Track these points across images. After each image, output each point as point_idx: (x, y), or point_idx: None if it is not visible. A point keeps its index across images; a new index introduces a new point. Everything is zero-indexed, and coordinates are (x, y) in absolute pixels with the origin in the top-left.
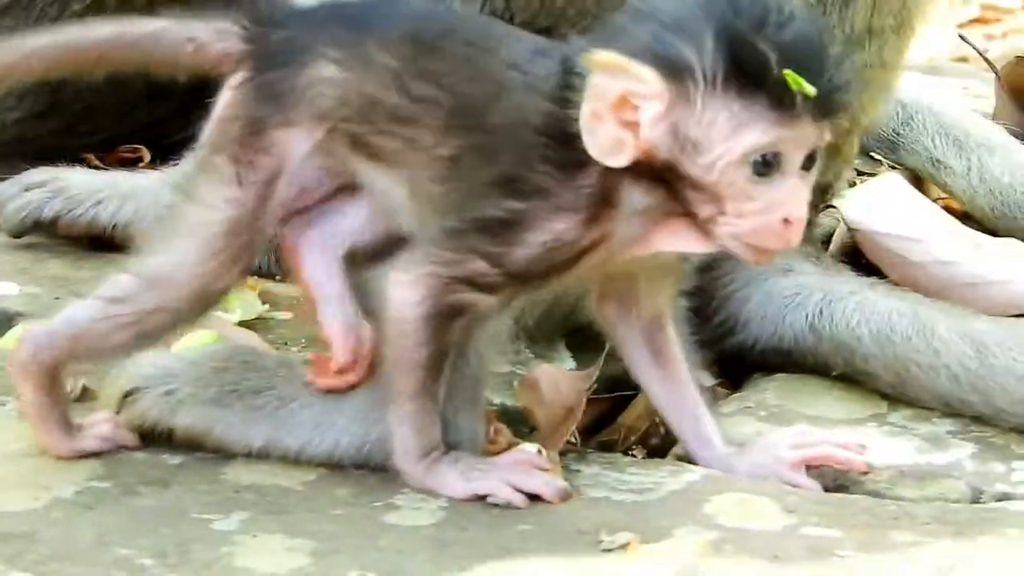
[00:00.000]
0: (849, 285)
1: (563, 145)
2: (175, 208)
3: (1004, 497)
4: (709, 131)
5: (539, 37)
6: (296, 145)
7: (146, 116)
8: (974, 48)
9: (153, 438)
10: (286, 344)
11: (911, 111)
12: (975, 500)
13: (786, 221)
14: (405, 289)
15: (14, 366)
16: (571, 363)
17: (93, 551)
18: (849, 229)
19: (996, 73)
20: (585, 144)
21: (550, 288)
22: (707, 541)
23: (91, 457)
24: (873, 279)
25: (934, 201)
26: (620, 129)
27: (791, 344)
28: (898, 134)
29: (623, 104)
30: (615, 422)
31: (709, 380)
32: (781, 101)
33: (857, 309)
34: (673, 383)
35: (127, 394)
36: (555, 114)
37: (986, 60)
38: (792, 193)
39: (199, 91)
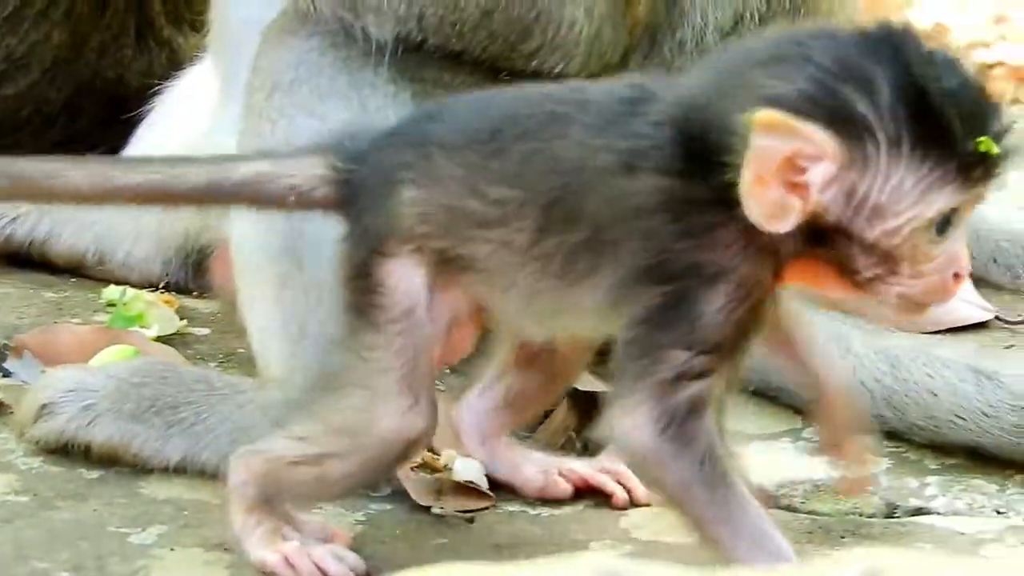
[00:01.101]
0: None
1: (692, 214)
2: (344, 360)
3: (918, 512)
4: (895, 196)
5: (608, 89)
6: (404, 274)
7: (65, 131)
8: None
9: (70, 452)
10: (204, 360)
11: None
12: (889, 515)
13: (956, 276)
14: (631, 417)
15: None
16: None
17: (11, 565)
18: None
19: None
20: (746, 211)
21: (758, 336)
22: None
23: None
24: None
25: None
26: (786, 193)
27: None
28: None
29: (789, 166)
30: (533, 435)
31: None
32: (969, 163)
33: None
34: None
35: (43, 407)
36: (674, 187)
37: None
38: (962, 247)
39: (117, 106)
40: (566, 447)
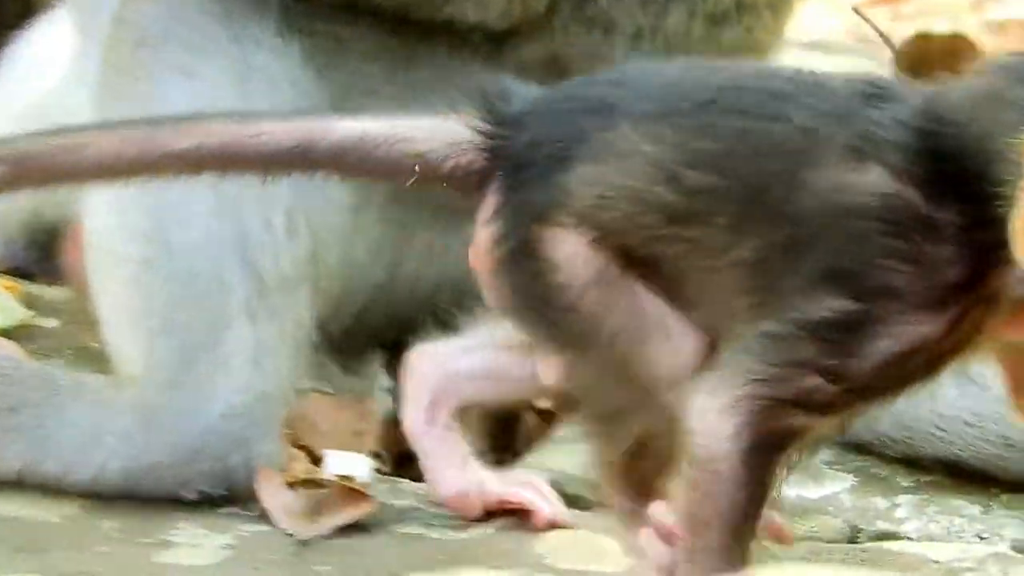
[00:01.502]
0: None
1: (917, 231)
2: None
3: (884, 536)
4: None
5: (843, 78)
6: (576, 246)
7: None
8: (869, 23)
9: None
10: (51, 355)
11: None
12: (853, 539)
13: None
14: (716, 418)
15: None
16: (385, 381)
17: None
18: None
19: (893, 50)
20: (1013, 246)
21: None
22: None
23: None
24: None
25: None
26: None
27: None
28: None
29: None
30: None
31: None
32: None
33: None
34: None
35: None
36: (906, 196)
37: (882, 36)
38: None
39: None
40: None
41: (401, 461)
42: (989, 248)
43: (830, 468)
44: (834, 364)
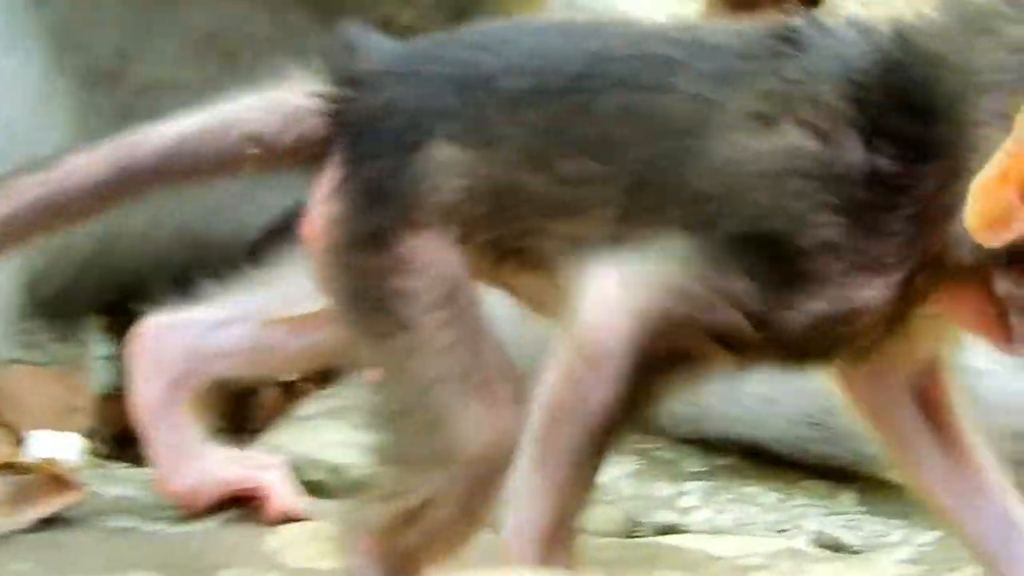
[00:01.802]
0: None
1: (846, 186)
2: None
3: (667, 529)
4: None
5: (739, 31)
6: (440, 251)
7: None
8: None
9: None
10: None
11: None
12: (631, 533)
13: None
14: (617, 313)
15: None
16: (104, 349)
17: None
18: None
19: None
20: (968, 206)
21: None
22: None
23: None
24: None
25: None
26: (1021, 200)
27: None
28: None
29: None
30: None
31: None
32: None
33: None
34: (966, 476)
35: None
36: (829, 153)
37: None
38: None
39: None
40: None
41: (121, 442)
42: (940, 207)
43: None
44: (757, 308)
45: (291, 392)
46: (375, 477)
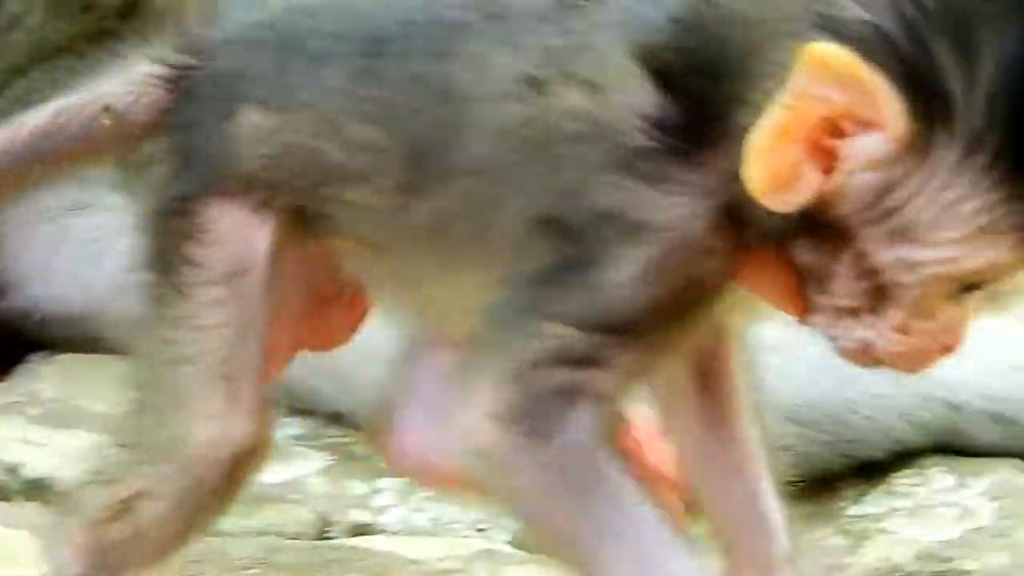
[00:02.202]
0: None
1: (631, 151)
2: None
3: (362, 530)
4: (943, 221)
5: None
6: (241, 224)
7: None
8: None
9: None
10: None
11: None
12: (322, 534)
13: (945, 347)
14: (474, 408)
15: None
16: None
17: None
18: None
19: None
20: (746, 167)
21: (683, 344)
22: None
23: None
24: None
25: None
26: (808, 159)
27: (82, 311)
28: None
29: (828, 126)
30: None
31: None
32: None
33: None
34: (724, 455)
35: None
36: (607, 109)
37: None
38: (966, 315)
39: None
40: None
41: None
42: (730, 167)
43: (299, 445)
44: (572, 306)
45: None
46: (103, 460)
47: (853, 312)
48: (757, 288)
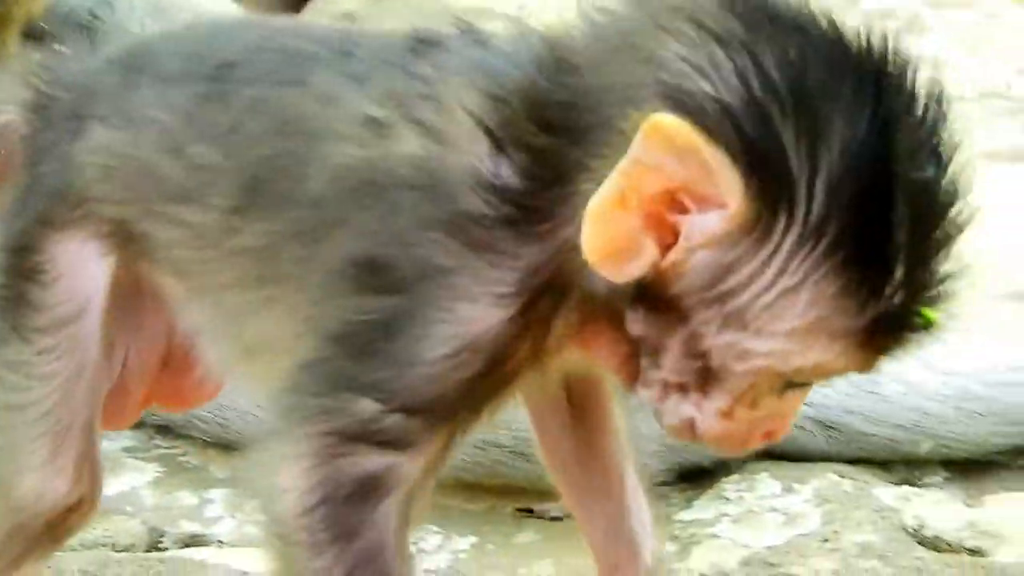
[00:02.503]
0: None
1: (460, 202)
2: None
3: (193, 541)
4: (778, 312)
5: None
6: (79, 257)
7: None
8: None
9: None
10: None
11: None
12: (154, 546)
13: (768, 434)
14: (275, 471)
15: None
16: None
17: None
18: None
19: None
20: (584, 234)
21: (485, 420)
22: None
23: None
24: None
25: None
26: (644, 230)
27: None
28: (95, 17)
29: (668, 200)
30: None
31: None
32: (886, 323)
33: None
34: (599, 477)
35: None
36: (447, 161)
37: None
38: (794, 405)
39: None
40: None
41: None
42: (567, 232)
43: (131, 457)
44: (380, 378)
45: None
46: None
47: (681, 389)
48: (590, 354)
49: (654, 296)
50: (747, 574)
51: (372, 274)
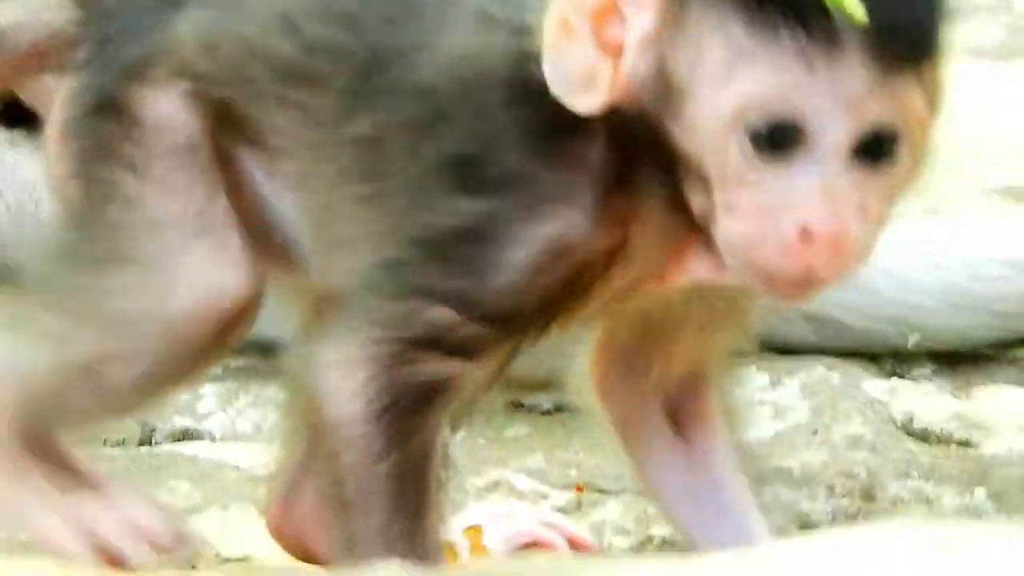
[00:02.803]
0: None
1: (546, 104)
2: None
3: (184, 435)
4: (695, 66)
5: None
6: (173, 110)
7: None
8: None
9: None
10: None
11: None
12: (146, 440)
13: (805, 232)
14: (339, 374)
15: None
16: None
17: None
18: None
19: None
20: (544, 71)
21: (554, 335)
22: None
23: None
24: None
25: None
26: (598, 53)
27: None
28: None
29: (607, 14)
30: None
31: None
32: (806, 28)
33: None
34: (706, 489)
35: None
36: (530, 57)
37: None
38: (818, 189)
39: None
40: None
41: None
42: (641, 138)
43: None
44: (461, 287)
45: None
46: (34, 320)
47: (707, 213)
48: (688, 258)
49: (637, 137)
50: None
51: (464, 174)
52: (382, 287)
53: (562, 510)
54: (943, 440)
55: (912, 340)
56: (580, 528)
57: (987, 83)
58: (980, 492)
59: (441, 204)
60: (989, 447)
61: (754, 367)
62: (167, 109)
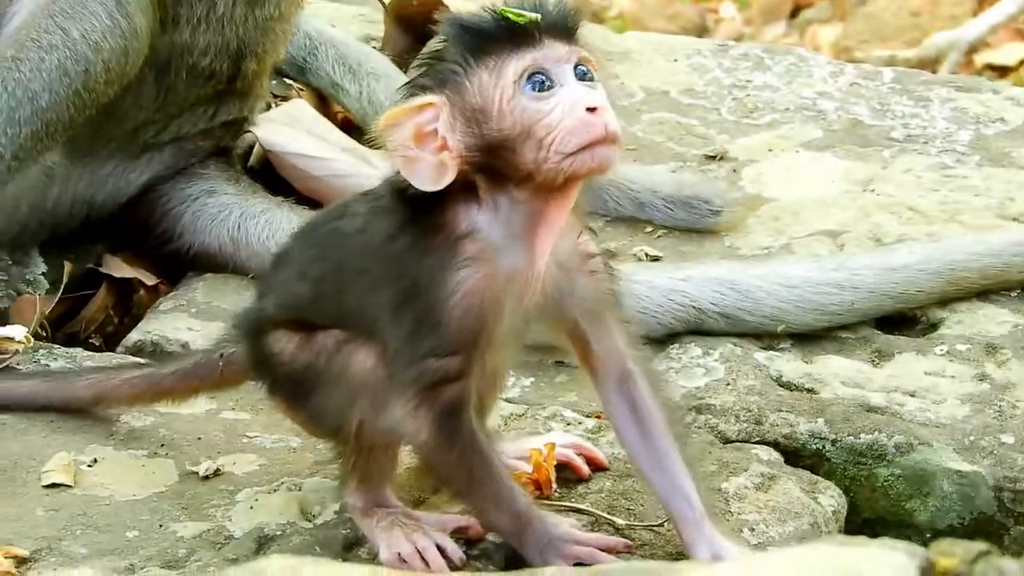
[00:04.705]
0: (262, 204)
1: (402, 220)
2: None
3: None
4: (483, 92)
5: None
6: (286, 339)
7: None
8: None
9: None
10: None
11: (316, 42)
12: None
13: (590, 110)
14: (410, 420)
15: None
16: (43, 267)
17: None
18: (264, 149)
19: (383, 3)
20: (414, 183)
21: (502, 342)
22: None
23: None
24: (281, 197)
25: (336, 115)
26: (432, 153)
27: (216, 251)
28: (306, 61)
29: (421, 133)
30: (79, 315)
31: (151, 279)
32: (514, 35)
33: (266, 226)
34: (653, 450)
35: None
36: (388, 211)
37: None
38: (578, 90)
39: None
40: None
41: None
42: (481, 165)
43: None
44: (428, 344)
45: (155, 292)
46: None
47: (536, 160)
48: (547, 227)
49: (484, 168)
50: (684, 403)
51: (402, 306)
52: (400, 368)
53: (591, 431)
54: (799, 388)
55: (780, 327)
56: (599, 444)
57: (803, 161)
58: (820, 421)
59: (400, 317)
60: (825, 393)
61: (692, 344)
62: (286, 339)
